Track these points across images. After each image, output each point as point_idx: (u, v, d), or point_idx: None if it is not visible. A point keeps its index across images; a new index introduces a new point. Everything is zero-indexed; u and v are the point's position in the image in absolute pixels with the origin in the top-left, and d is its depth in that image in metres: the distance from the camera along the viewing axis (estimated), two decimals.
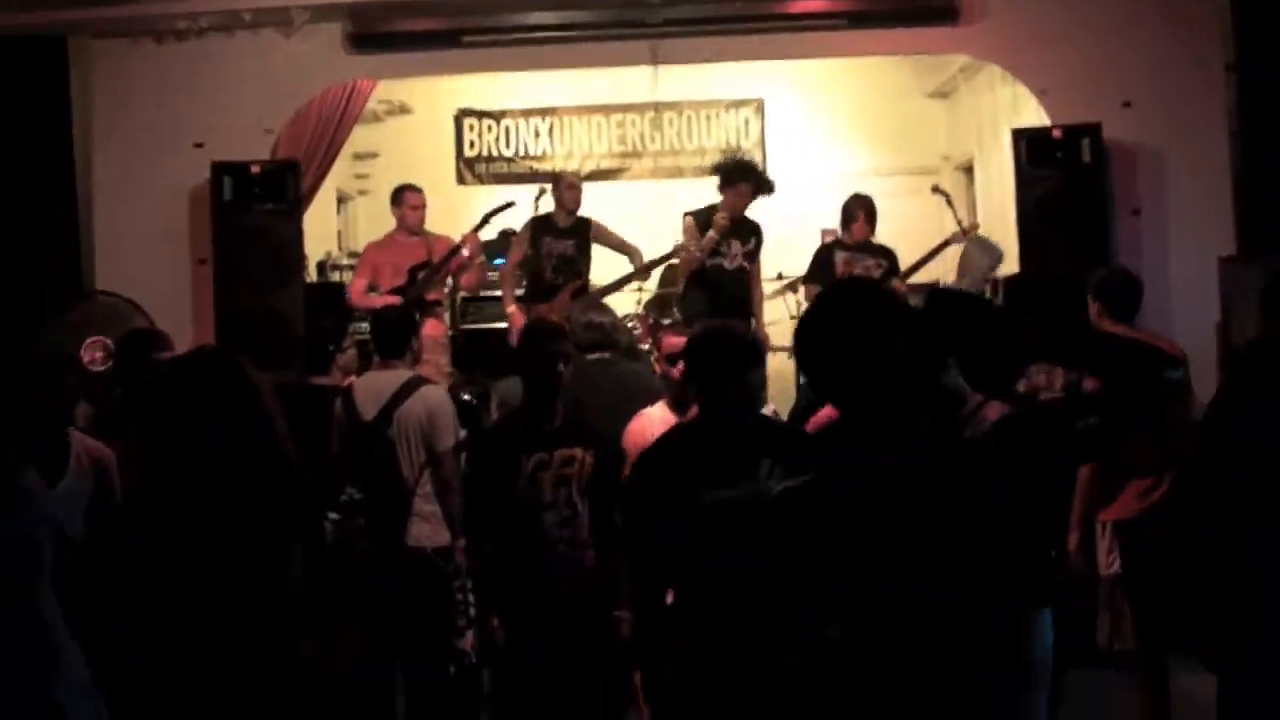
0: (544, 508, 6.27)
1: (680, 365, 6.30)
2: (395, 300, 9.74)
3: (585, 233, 10.66)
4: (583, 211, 10.73)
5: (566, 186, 10.64)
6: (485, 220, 10.55)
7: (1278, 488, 4.34)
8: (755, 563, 4.26)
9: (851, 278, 9.62)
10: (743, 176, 10.36)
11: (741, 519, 4.73)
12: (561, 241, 10.51)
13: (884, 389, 3.21)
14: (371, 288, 10.31)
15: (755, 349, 5.16)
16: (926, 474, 3.15)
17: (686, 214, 10.51)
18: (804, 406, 5.55)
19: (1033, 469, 3.20)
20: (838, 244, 10.79)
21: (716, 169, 10.58)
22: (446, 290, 11.15)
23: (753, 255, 10.47)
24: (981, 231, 11.69)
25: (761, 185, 10.46)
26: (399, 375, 7.17)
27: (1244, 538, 4.41)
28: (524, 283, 10.64)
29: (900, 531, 3.09)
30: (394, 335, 7.38)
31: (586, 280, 10.61)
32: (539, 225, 10.59)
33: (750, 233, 10.44)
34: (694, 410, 5.55)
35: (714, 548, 4.76)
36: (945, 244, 11.11)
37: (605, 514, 6.29)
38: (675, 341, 6.63)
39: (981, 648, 3.11)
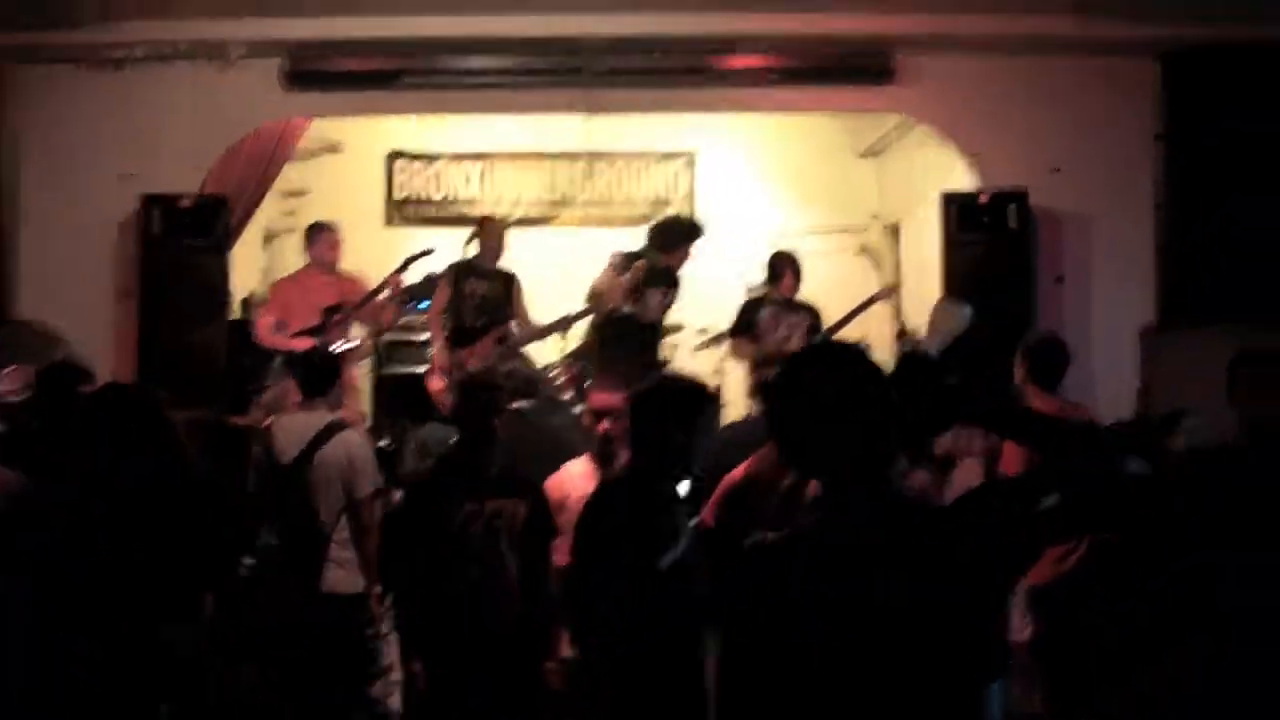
0: (471, 558, 6.26)
1: (605, 422, 6.30)
2: (306, 341, 9.68)
3: (509, 283, 10.62)
4: (512, 259, 10.73)
5: (492, 231, 10.63)
6: (405, 265, 10.49)
7: (1250, 517, 4.41)
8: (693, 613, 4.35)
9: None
10: (695, 236, 10.51)
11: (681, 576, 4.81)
12: (482, 283, 10.48)
13: (818, 444, 3.20)
14: (279, 325, 10.21)
15: (701, 400, 5.16)
16: (867, 532, 3.16)
17: (617, 253, 10.52)
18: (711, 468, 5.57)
19: (993, 543, 3.19)
20: (765, 299, 10.81)
21: (673, 229, 10.65)
22: (369, 335, 11.10)
23: (669, 308, 10.55)
24: (905, 293, 11.79)
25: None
26: (320, 418, 7.13)
27: (1218, 567, 4.45)
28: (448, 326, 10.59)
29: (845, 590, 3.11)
30: (318, 376, 7.34)
31: (508, 327, 10.56)
32: (461, 269, 10.56)
33: (673, 285, 10.49)
34: (621, 462, 5.55)
35: (656, 600, 4.81)
36: (870, 302, 11.18)
37: (534, 566, 6.30)
38: (603, 398, 6.61)
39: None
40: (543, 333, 10.83)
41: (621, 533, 4.93)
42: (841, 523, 3.21)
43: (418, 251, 10.63)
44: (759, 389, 5.72)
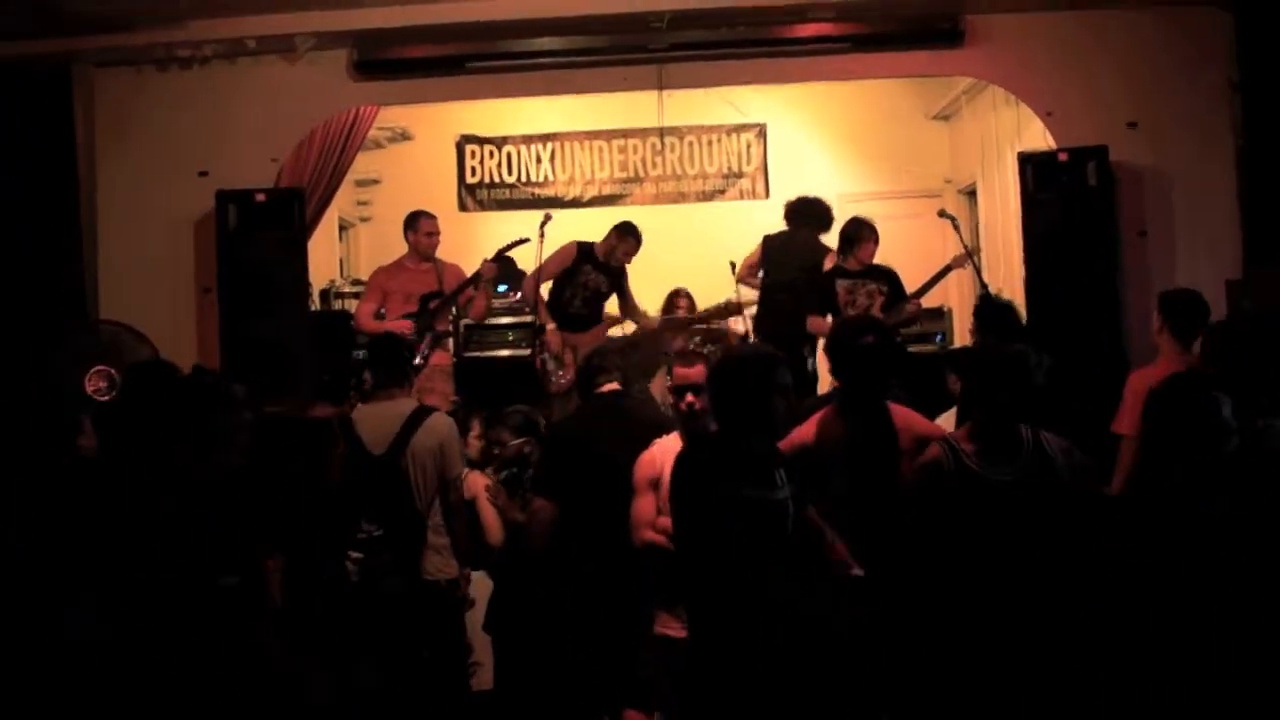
0: None
1: (688, 397, 6.20)
2: (407, 325, 9.80)
3: (620, 278, 10.71)
4: (582, 237, 10.81)
5: (634, 243, 10.85)
6: (499, 254, 10.46)
7: None
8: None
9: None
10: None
11: (770, 518, 5.04)
12: (598, 275, 10.60)
13: None
14: (378, 313, 10.27)
15: (772, 363, 5.22)
16: None
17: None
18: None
19: None
20: (839, 272, 10.51)
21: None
22: (450, 318, 11.14)
23: None
24: (985, 255, 11.64)
25: None
26: (405, 405, 7.10)
27: None
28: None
29: None
30: (394, 363, 7.33)
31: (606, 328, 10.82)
32: (586, 252, 10.70)
33: None
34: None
35: (745, 547, 4.98)
36: (948, 269, 10.92)
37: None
38: (684, 373, 6.45)
39: None
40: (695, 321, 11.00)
41: (710, 469, 5.14)
42: None
43: (512, 241, 10.59)
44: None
